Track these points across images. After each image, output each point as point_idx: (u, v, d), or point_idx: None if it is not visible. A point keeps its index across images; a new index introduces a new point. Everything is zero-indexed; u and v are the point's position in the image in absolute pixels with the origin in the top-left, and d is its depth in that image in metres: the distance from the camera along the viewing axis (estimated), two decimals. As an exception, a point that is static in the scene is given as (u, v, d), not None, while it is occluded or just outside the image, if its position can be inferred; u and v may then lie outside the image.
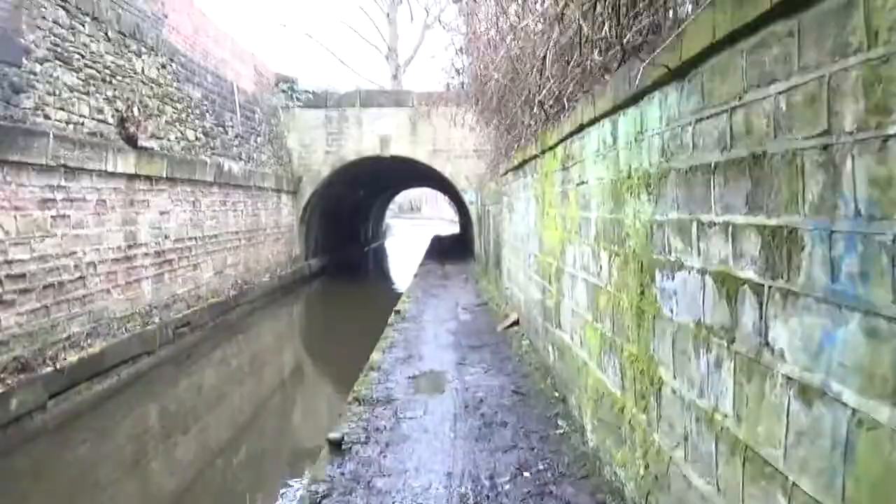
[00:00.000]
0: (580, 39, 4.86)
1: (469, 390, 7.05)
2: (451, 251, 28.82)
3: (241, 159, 16.97)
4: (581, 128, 5.18)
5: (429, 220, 74.17)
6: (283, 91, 21.38)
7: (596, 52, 4.79)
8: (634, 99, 3.84)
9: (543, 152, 6.97)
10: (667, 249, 3.41)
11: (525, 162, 8.42)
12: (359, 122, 21.99)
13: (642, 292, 3.82)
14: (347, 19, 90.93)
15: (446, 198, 48.70)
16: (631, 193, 4.01)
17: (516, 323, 9.75)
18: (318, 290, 22.28)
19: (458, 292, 15.30)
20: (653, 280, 3.63)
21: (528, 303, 8.84)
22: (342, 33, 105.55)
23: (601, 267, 4.79)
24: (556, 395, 6.54)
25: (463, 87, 12.59)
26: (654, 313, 3.60)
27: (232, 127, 16.56)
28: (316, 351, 14.41)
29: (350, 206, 30.89)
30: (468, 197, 22.09)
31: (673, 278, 3.33)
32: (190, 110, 14.05)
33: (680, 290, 3.24)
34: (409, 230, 60.19)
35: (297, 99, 21.67)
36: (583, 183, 5.31)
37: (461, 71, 12.17)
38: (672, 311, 3.34)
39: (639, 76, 3.55)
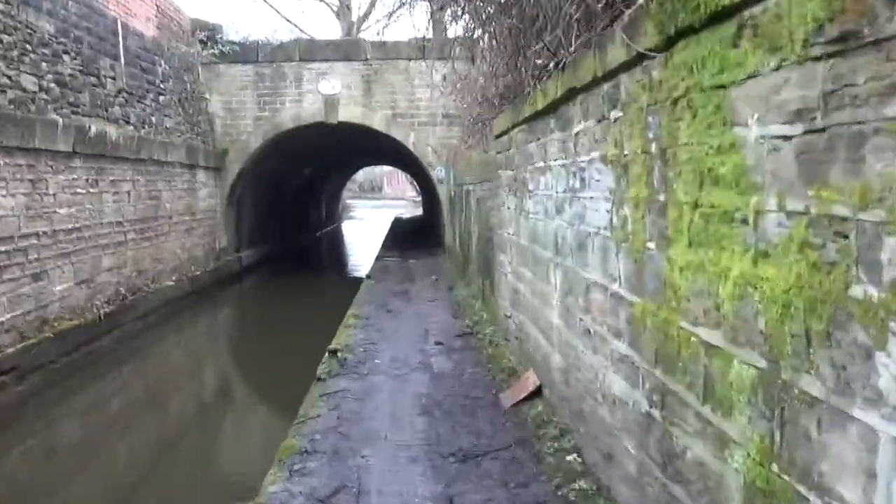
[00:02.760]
0: None
1: None
2: (414, 238, 24.51)
3: (128, 123, 12.47)
4: None
5: (392, 200, 69.70)
6: (202, 42, 16.81)
7: None
8: None
9: (675, 41, 2.74)
10: None
11: (574, 93, 4.19)
12: (298, 79, 17.52)
13: None
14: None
15: (408, 176, 44.35)
16: None
17: (536, 393, 5.55)
18: (247, 292, 17.87)
19: (427, 306, 11.08)
20: None
21: (573, 371, 4.67)
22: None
23: None
24: None
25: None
26: None
27: (113, 79, 12.04)
28: (223, 397, 10.12)
29: (296, 186, 26.39)
30: (436, 174, 17.83)
31: None
32: (31, 48, 9.54)
33: None
34: (370, 212, 55.63)
35: (221, 52, 17.13)
36: None
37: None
38: None
39: None
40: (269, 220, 22.40)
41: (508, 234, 7.33)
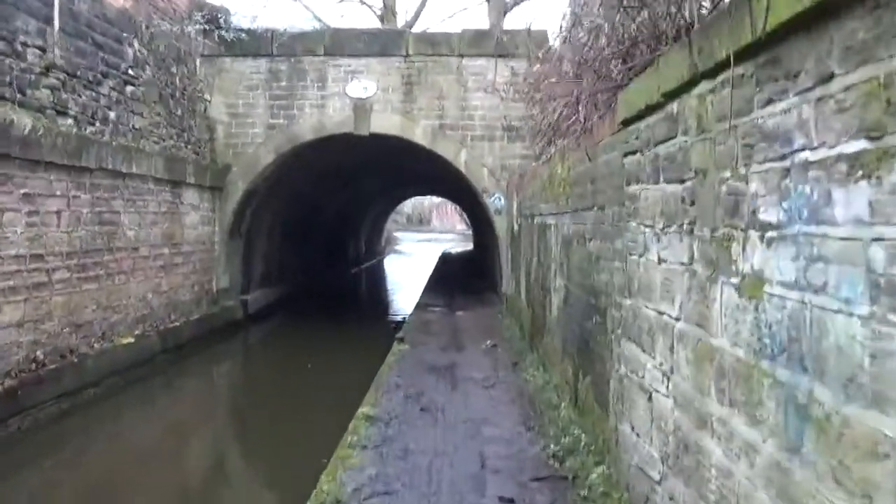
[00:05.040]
0: None
1: None
2: (463, 280, 20.57)
3: (63, 114, 8.82)
4: None
5: (440, 234, 65.99)
6: (202, 25, 13.22)
7: None
8: None
9: None
10: None
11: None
12: (322, 79, 13.82)
13: None
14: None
15: (457, 208, 40.56)
16: None
17: None
18: (248, 349, 13.99)
19: (483, 400, 7.06)
20: None
21: None
22: None
23: None
24: None
25: None
26: None
27: (40, 49, 8.44)
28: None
29: (329, 214, 22.72)
30: (492, 203, 13.89)
31: None
32: None
33: None
34: (416, 246, 51.88)
35: (227, 41, 13.56)
36: None
37: None
38: None
39: None
40: (290, 253, 18.69)
41: (658, 313, 3.35)
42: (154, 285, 11.13)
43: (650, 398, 3.59)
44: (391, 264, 38.52)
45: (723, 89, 2.61)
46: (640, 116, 3.66)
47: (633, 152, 3.83)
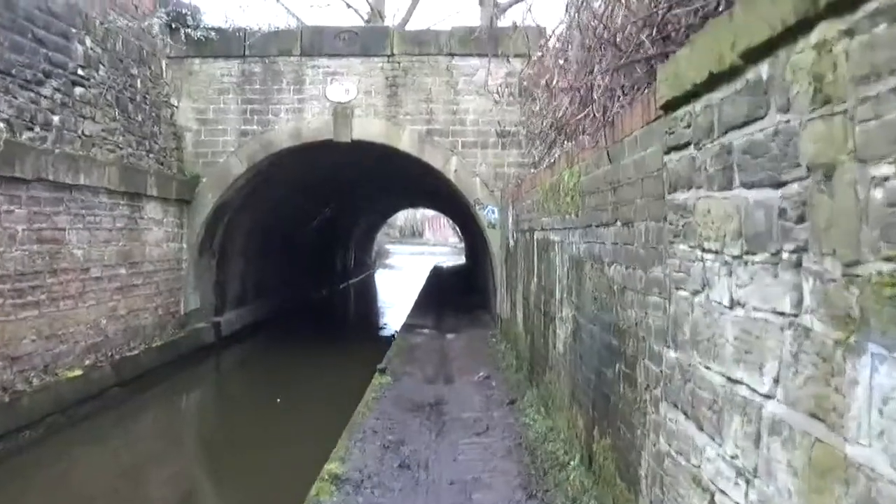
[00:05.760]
0: None
1: None
2: (453, 296, 19.46)
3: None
4: None
5: (433, 246, 64.85)
6: (164, 21, 12.09)
7: None
8: None
9: None
10: None
11: None
12: (299, 81, 12.72)
13: None
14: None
15: (450, 220, 39.51)
16: None
17: None
18: (218, 377, 12.79)
19: (476, 450, 5.92)
20: None
21: None
22: None
23: None
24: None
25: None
26: None
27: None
28: None
29: (313, 228, 21.59)
30: (486, 215, 12.78)
31: None
32: None
33: None
34: (408, 259, 50.69)
35: (195, 40, 12.45)
36: None
37: None
38: None
39: None
40: (271, 270, 17.55)
41: (730, 380, 2.24)
42: (108, 310, 9.97)
43: (712, 501, 2.48)
44: (382, 279, 37.37)
45: (876, 24, 1.51)
46: (693, 94, 2.56)
47: (682, 146, 2.73)
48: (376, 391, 8.14)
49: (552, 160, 6.47)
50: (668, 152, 2.91)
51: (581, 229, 5.05)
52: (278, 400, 9.76)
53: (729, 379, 2.32)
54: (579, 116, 4.92)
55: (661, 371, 3.03)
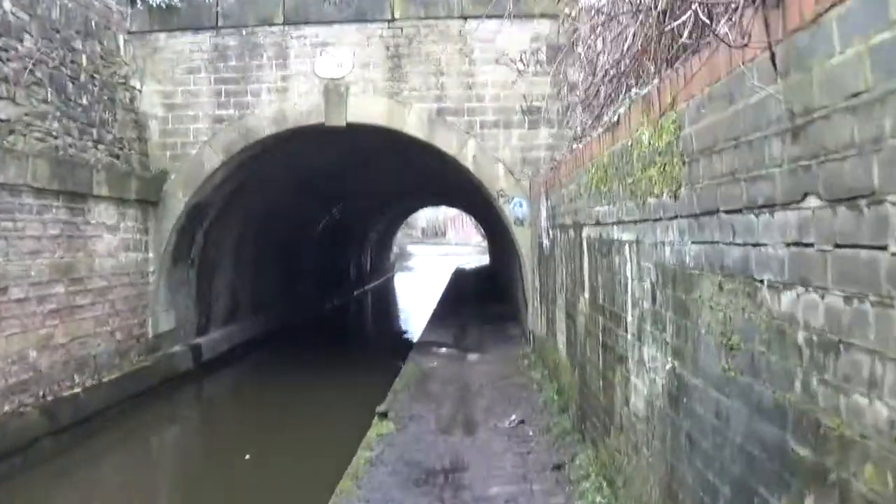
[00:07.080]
0: None
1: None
2: (476, 303, 17.27)
3: None
4: None
5: (456, 246, 62.65)
6: (122, -9, 10.04)
7: None
8: None
9: None
10: None
11: None
12: (282, 55, 10.58)
13: None
14: None
15: (472, 218, 37.28)
16: None
17: None
18: (174, 426, 10.19)
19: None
20: None
21: None
22: None
23: None
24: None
25: None
26: None
27: None
28: None
29: (321, 230, 19.49)
30: (511, 209, 10.57)
31: None
32: None
33: None
34: (430, 261, 48.44)
35: (159, 8, 10.39)
36: None
37: None
38: None
39: None
40: (270, 279, 15.49)
41: None
42: (40, 338, 7.90)
43: None
44: (401, 283, 35.20)
45: None
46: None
47: None
48: (372, 448, 5.98)
49: (613, 119, 4.29)
50: None
51: (687, 219, 2.84)
52: (247, 457, 7.56)
53: None
54: (682, 19, 2.73)
55: None
